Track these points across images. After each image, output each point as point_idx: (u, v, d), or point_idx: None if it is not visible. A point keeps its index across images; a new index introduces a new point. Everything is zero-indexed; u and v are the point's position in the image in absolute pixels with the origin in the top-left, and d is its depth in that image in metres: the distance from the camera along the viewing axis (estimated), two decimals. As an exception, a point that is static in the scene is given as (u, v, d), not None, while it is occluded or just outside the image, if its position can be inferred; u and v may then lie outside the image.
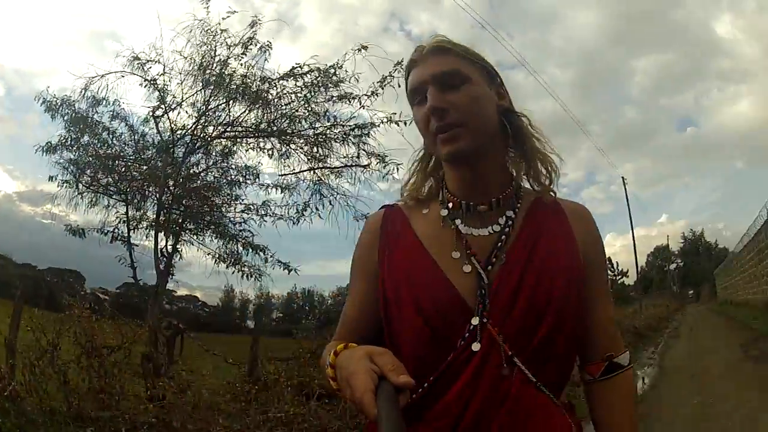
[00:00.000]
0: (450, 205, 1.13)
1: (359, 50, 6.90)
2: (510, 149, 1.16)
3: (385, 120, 7.01)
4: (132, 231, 7.18)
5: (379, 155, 7.24)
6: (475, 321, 1.00)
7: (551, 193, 1.16)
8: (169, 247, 7.17)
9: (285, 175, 7.67)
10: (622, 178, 37.84)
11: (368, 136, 7.27)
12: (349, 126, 7.24)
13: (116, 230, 7.20)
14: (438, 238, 1.10)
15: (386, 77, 6.89)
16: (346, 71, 7.03)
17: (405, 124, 6.80)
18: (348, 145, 7.33)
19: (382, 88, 6.96)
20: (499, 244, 1.06)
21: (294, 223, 7.57)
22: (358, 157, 7.34)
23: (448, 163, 1.14)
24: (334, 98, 7.14)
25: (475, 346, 0.99)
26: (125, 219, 7.16)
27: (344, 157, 7.47)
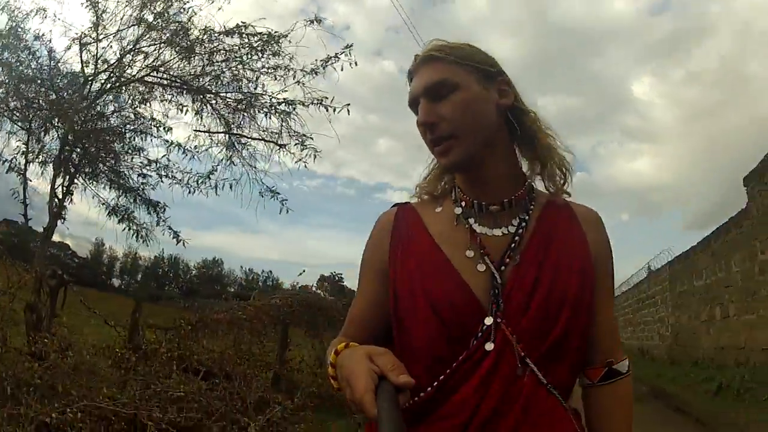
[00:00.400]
0: (463, 204, 1.13)
1: (312, 23, 6.76)
2: (522, 147, 1.16)
3: (316, 102, 6.76)
4: (28, 164, 6.60)
5: (302, 136, 7.03)
6: (488, 321, 1.00)
7: (565, 195, 1.17)
8: (63, 188, 6.63)
9: (199, 132, 7.30)
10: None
11: (295, 115, 7.03)
12: (278, 99, 6.98)
13: (14, 160, 6.58)
14: (451, 236, 1.10)
15: (331, 58, 6.73)
16: (290, 41, 6.79)
17: (334, 110, 6.70)
18: (270, 118, 7.10)
19: (324, 69, 6.78)
20: (513, 245, 1.06)
21: (192, 191, 7.16)
22: (279, 134, 7.12)
23: (448, 172, 1.16)
24: (270, 68, 6.89)
25: (489, 346, 0.98)
26: (24, 150, 6.59)
27: (264, 131, 7.23)
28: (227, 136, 7.36)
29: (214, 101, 7.15)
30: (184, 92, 7.10)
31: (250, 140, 7.37)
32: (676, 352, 13.05)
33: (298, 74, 6.77)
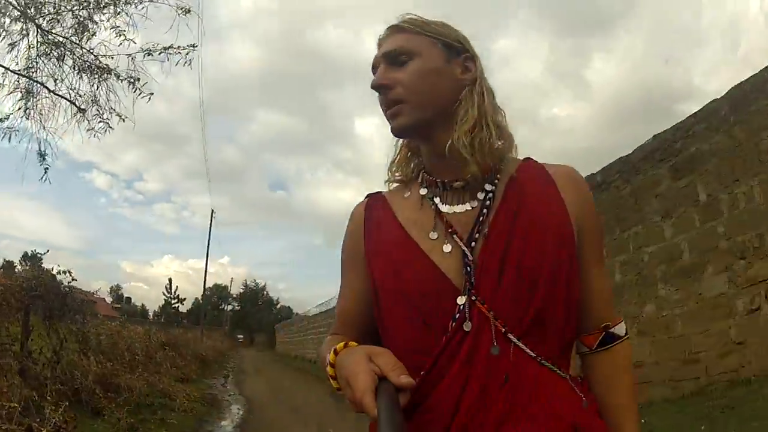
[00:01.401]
0: (426, 184, 1.12)
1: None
2: None
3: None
4: None
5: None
6: (461, 300, 0.96)
7: (534, 160, 1.15)
8: None
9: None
10: (212, 210, 39.38)
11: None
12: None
13: None
14: (418, 219, 1.08)
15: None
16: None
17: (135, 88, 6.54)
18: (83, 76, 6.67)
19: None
20: (480, 218, 1.03)
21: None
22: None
23: (395, 137, 1.15)
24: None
25: (467, 326, 0.95)
26: None
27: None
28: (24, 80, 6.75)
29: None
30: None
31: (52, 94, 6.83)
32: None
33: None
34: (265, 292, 72.12)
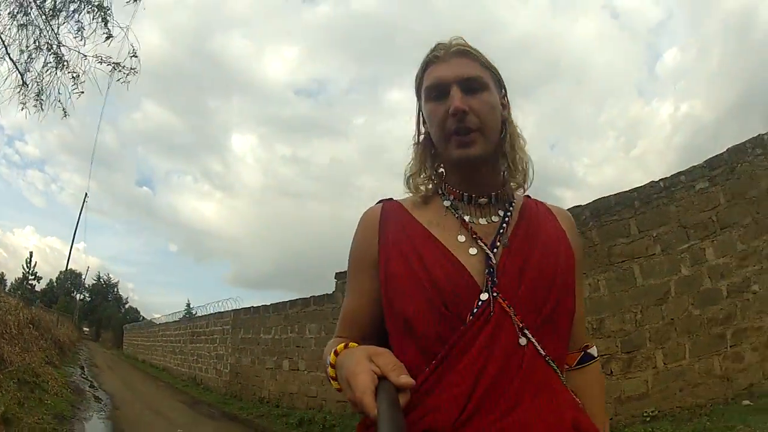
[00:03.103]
0: (451, 197, 1.18)
1: None
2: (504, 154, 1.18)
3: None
4: None
5: None
6: (484, 296, 1.02)
7: (525, 193, 1.22)
8: None
9: None
10: (86, 194, 37.90)
11: None
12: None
13: None
14: (442, 224, 1.13)
15: None
16: None
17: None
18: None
19: None
20: (501, 231, 1.11)
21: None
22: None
23: (457, 165, 1.15)
24: None
25: (487, 319, 1.00)
26: None
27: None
28: None
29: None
30: None
31: None
32: (236, 388, 14.51)
33: None
34: (116, 289, 69.29)
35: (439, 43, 1.16)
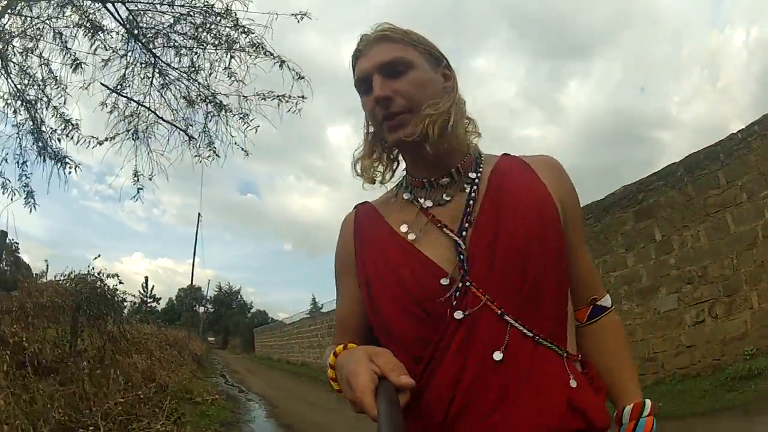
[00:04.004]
0: (412, 187, 1.15)
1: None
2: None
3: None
4: None
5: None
6: (457, 287, 0.99)
7: (510, 154, 1.19)
8: None
9: (115, 92, 6.94)
10: (199, 214, 39.05)
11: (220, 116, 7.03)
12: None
13: None
14: (406, 219, 1.10)
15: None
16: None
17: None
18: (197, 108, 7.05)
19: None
20: (467, 209, 1.06)
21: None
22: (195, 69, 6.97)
23: (399, 149, 1.16)
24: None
25: (458, 315, 0.97)
26: None
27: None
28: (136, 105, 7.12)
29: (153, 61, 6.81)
30: (132, 39, 6.74)
31: (159, 121, 7.25)
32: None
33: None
34: (239, 296, 71.43)
35: (362, 35, 1.13)
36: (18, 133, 6.94)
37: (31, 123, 6.93)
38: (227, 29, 6.76)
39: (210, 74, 7.01)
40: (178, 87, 7.16)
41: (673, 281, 7.90)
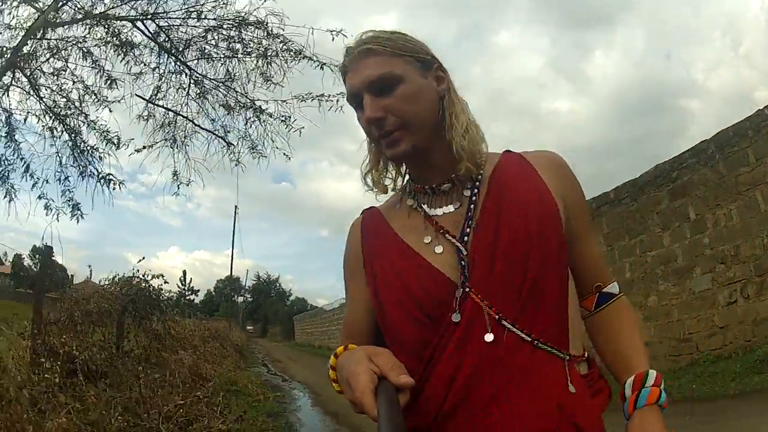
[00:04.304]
0: (414, 193, 1.16)
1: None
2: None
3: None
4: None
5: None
6: (458, 293, 0.99)
7: (512, 151, 1.18)
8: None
9: (153, 103, 7.11)
10: (236, 206, 38.69)
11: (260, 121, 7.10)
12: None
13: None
14: (410, 225, 1.12)
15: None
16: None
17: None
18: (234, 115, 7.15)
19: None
20: (469, 213, 1.06)
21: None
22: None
23: (395, 163, 1.17)
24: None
25: (455, 317, 0.98)
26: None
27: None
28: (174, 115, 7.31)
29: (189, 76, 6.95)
30: (164, 53, 6.88)
31: (198, 129, 7.38)
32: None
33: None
34: (278, 284, 71.88)
35: (347, 48, 1.11)
36: (57, 153, 7.15)
37: (70, 141, 7.16)
38: (262, 39, 6.81)
39: (247, 82, 7.08)
40: (215, 96, 7.28)
41: (708, 261, 7.88)
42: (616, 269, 9.95)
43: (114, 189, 7.22)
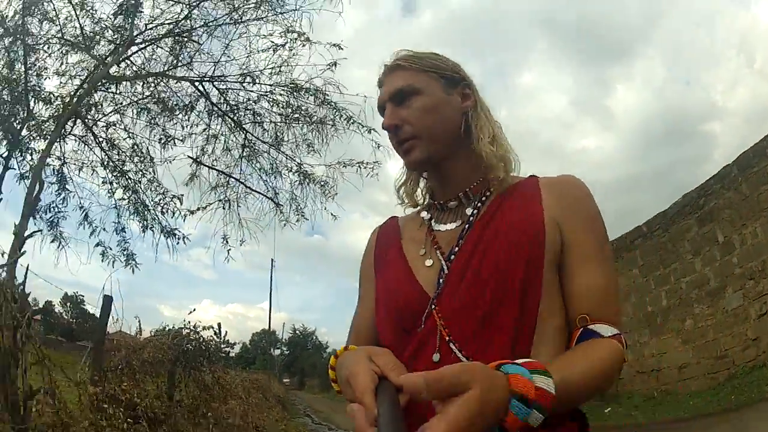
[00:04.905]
0: (428, 206, 1.20)
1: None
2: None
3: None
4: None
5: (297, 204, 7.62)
6: (427, 309, 1.01)
7: (536, 176, 1.15)
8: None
9: (204, 164, 7.46)
10: (272, 260, 38.61)
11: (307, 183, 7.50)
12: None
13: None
14: (415, 238, 1.15)
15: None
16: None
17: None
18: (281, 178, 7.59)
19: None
20: (463, 232, 1.07)
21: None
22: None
23: (414, 170, 1.22)
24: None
25: (419, 329, 1.01)
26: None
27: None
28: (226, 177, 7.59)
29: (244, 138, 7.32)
30: (219, 113, 7.23)
31: (250, 191, 7.70)
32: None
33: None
34: (314, 337, 71.27)
35: (384, 64, 1.18)
36: (116, 207, 7.58)
37: (131, 194, 7.56)
38: (315, 105, 7.22)
39: (296, 146, 7.51)
40: (266, 158, 7.68)
41: (738, 279, 8.20)
42: (652, 298, 10.31)
43: (178, 243, 7.69)
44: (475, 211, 1.10)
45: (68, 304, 40.30)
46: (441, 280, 1.03)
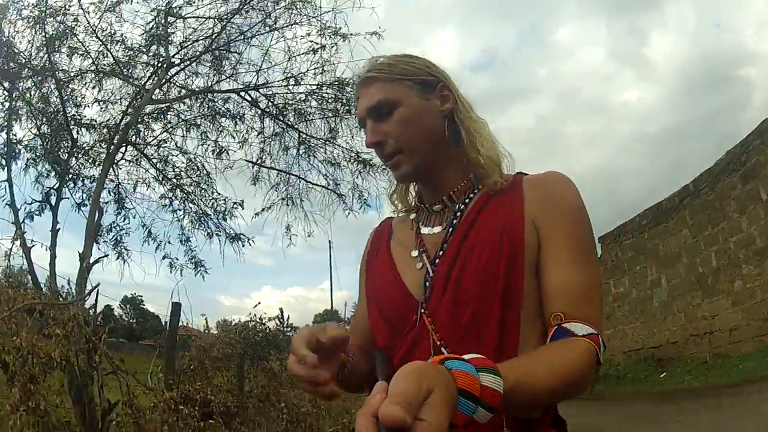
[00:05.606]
0: (417, 210, 1.20)
1: None
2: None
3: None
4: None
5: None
6: (418, 312, 1.03)
7: (523, 173, 1.14)
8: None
9: (259, 165, 7.47)
10: (329, 241, 37.11)
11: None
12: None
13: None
14: (405, 241, 1.16)
15: None
16: None
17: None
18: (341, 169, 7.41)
19: None
20: (447, 236, 1.07)
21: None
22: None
23: (403, 183, 1.22)
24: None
25: (411, 332, 1.03)
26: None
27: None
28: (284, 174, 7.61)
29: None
30: (269, 117, 7.35)
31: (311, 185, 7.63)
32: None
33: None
34: None
35: (357, 76, 1.20)
36: (178, 220, 7.70)
37: (190, 208, 7.73)
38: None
39: (352, 137, 7.37)
40: (322, 153, 7.65)
41: (784, 237, 8.05)
42: (703, 259, 10.17)
43: (244, 246, 7.73)
44: (459, 214, 1.09)
45: (128, 306, 41.02)
46: (428, 284, 1.04)
